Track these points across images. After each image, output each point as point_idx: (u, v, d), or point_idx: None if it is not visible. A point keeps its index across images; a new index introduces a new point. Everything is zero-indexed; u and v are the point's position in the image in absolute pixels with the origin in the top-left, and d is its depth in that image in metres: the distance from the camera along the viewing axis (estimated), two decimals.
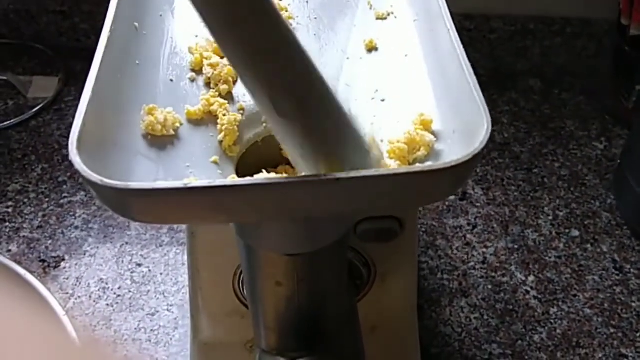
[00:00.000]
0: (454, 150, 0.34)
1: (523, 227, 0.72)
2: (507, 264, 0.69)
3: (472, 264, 0.69)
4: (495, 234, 0.71)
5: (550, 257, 0.69)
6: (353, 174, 0.30)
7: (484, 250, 0.70)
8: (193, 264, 0.50)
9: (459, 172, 0.30)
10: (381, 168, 0.34)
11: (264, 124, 0.39)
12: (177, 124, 0.37)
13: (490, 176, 0.76)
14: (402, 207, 0.41)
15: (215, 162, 0.37)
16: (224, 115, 0.38)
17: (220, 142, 0.38)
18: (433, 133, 0.36)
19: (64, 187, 0.76)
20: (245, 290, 0.50)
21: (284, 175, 0.37)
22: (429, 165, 0.32)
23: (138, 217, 0.32)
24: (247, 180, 0.30)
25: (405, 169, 0.33)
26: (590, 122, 0.82)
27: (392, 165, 0.35)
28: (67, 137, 0.84)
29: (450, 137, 0.35)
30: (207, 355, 0.54)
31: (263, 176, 0.31)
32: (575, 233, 0.71)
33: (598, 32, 0.86)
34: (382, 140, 0.37)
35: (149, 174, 0.35)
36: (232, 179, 0.33)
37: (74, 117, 0.85)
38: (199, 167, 0.36)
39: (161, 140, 0.37)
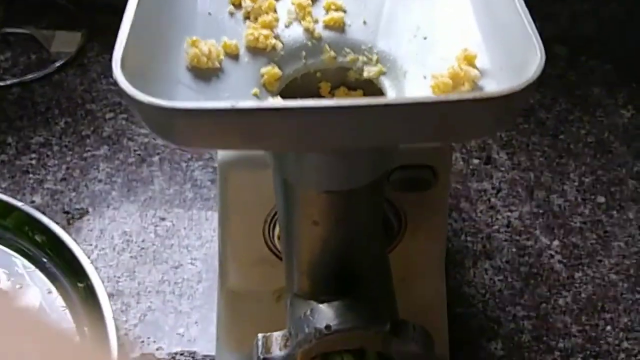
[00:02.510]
0: (502, 86, 0.34)
1: (548, 192, 0.71)
2: (532, 228, 0.68)
3: (496, 227, 0.69)
4: (519, 198, 0.71)
5: (575, 223, 0.69)
6: (402, 99, 0.29)
7: (508, 214, 0.70)
8: (223, 210, 0.50)
9: (511, 101, 0.29)
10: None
11: (304, 60, 0.39)
12: (221, 56, 0.37)
13: (515, 141, 0.76)
14: (449, 139, 0.41)
15: (255, 95, 0.36)
16: (265, 49, 0.38)
17: (262, 76, 0.37)
18: (478, 69, 0.36)
19: (87, 140, 0.76)
20: (275, 238, 0.50)
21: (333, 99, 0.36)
22: (479, 93, 0.32)
23: (180, 139, 0.31)
24: (296, 102, 0.30)
25: (456, 95, 0.32)
26: (617, 90, 0.81)
27: None
28: (90, 92, 0.83)
29: (497, 73, 0.35)
30: (235, 304, 0.54)
31: (311, 100, 0.30)
32: (601, 199, 0.70)
33: None
34: (425, 77, 0.37)
35: (189, 101, 0.34)
36: (281, 101, 0.32)
37: (97, 73, 0.84)
38: (239, 98, 0.36)
39: (202, 72, 0.37)
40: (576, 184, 0.72)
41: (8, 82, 0.80)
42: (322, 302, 0.43)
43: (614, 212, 0.70)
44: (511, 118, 0.32)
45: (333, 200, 0.38)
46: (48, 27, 0.87)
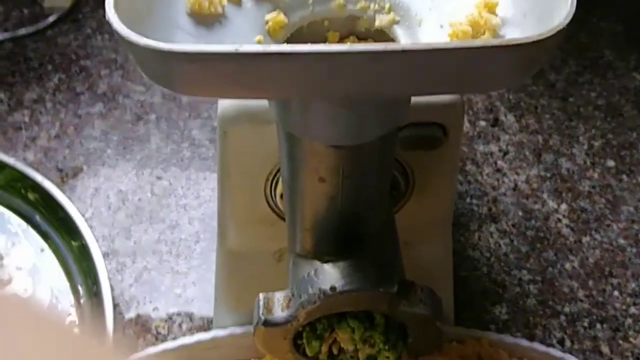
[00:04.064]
0: (524, 35, 0.32)
1: (556, 156, 0.69)
2: (539, 191, 0.67)
3: (503, 190, 0.67)
4: (527, 162, 0.69)
5: (584, 187, 0.67)
6: (421, 45, 0.27)
7: (515, 177, 0.68)
8: (223, 168, 0.48)
9: (539, 48, 0.27)
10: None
11: (311, 7, 0.37)
12: (224, 1, 0.34)
13: (523, 103, 0.74)
14: (469, 89, 0.39)
15: (259, 42, 0.34)
16: None
17: (266, 22, 0.35)
18: (499, 17, 0.33)
19: (82, 97, 0.73)
20: (277, 197, 0.48)
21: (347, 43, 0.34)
22: (505, 39, 0.30)
23: (180, 86, 0.29)
24: (305, 47, 0.27)
25: (480, 42, 0.30)
26: (628, 53, 0.79)
27: None
28: (84, 48, 0.81)
29: (520, 21, 0.33)
30: (234, 264, 0.52)
31: (320, 45, 0.28)
32: (611, 163, 0.69)
33: None
34: (441, 26, 0.34)
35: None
36: (289, 46, 0.30)
37: (91, 28, 0.81)
38: None
39: (202, 18, 0.34)
40: (585, 147, 0.70)
41: (0, 38, 0.77)
42: (326, 262, 0.41)
43: (624, 176, 0.68)
44: (537, 67, 0.30)
45: (341, 156, 0.36)
46: None
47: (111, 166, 0.68)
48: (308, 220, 0.40)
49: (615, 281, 0.61)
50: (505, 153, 0.70)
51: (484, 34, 0.33)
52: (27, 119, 0.71)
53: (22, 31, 0.78)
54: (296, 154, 0.37)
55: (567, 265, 0.62)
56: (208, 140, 0.70)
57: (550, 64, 0.78)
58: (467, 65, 0.28)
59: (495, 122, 0.72)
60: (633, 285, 0.60)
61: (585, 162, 0.69)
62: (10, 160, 0.65)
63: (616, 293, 0.60)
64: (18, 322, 0.21)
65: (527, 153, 0.70)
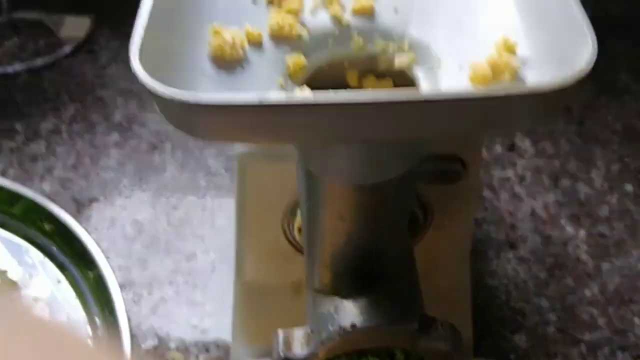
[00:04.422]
0: (544, 76, 0.32)
1: (574, 181, 0.69)
2: (557, 217, 0.66)
3: (520, 216, 0.67)
4: (544, 187, 0.69)
5: (602, 212, 0.66)
6: (442, 94, 0.27)
7: (533, 202, 0.67)
8: (241, 202, 0.48)
9: (562, 95, 0.27)
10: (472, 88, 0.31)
11: (331, 48, 0.37)
12: (245, 45, 0.35)
13: (539, 128, 0.73)
14: (487, 133, 0.39)
15: (280, 85, 0.34)
16: (290, 36, 0.36)
17: (287, 65, 0.35)
18: (518, 57, 0.33)
19: (98, 127, 0.74)
20: (295, 230, 0.48)
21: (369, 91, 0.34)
22: (529, 86, 0.30)
23: (203, 133, 0.29)
24: (328, 96, 0.27)
25: (501, 89, 0.30)
26: None
27: None
28: (100, 78, 0.81)
29: (540, 63, 0.33)
30: (252, 297, 0.52)
31: (344, 94, 0.28)
32: (629, 188, 0.68)
33: None
34: (461, 67, 0.34)
35: (212, 93, 0.32)
36: (313, 95, 0.30)
37: (106, 58, 0.82)
38: (263, 89, 0.34)
39: (224, 62, 0.34)
40: (603, 171, 0.69)
41: (17, 69, 0.78)
42: (346, 298, 0.41)
43: None
44: (559, 112, 0.30)
45: (361, 194, 0.36)
46: (57, 12, 0.85)
47: (127, 196, 0.68)
48: (327, 257, 0.40)
49: (636, 308, 0.60)
50: (522, 178, 0.69)
51: (504, 75, 0.33)
52: (43, 150, 0.72)
53: (38, 62, 0.79)
54: (316, 192, 0.37)
55: (587, 292, 0.61)
56: (224, 169, 0.70)
57: None
58: (488, 111, 0.28)
59: (512, 147, 0.71)
60: None
61: (603, 187, 0.68)
62: (26, 191, 0.65)
63: (637, 320, 0.60)
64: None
65: (544, 178, 0.69)
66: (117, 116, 0.74)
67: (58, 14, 0.85)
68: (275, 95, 0.27)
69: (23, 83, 0.77)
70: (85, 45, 0.82)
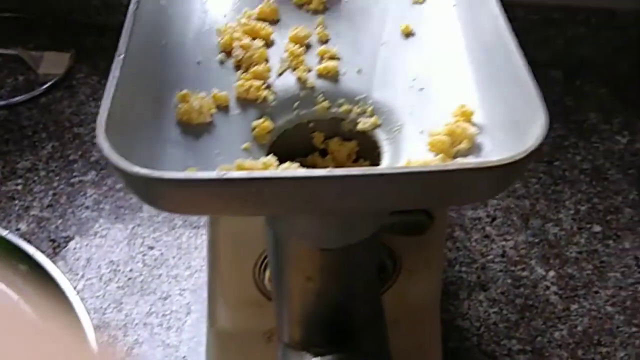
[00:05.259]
0: (500, 144, 0.33)
1: (543, 221, 0.70)
2: (527, 258, 0.67)
3: (491, 257, 0.68)
4: (515, 227, 0.70)
5: (571, 253, 0.68)
6: (395, 169, 0.28)
7: (504, 243, 0.69)
8: (213, 250, 0.48)
9: (514, 169, 0.28)
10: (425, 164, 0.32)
11: (297, 111, 0.38)
12: (213, 110, 0.35)
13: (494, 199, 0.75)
14: (445, 204, 0.40)
15: (246, 149, 0.35)
16: (256, 100, 0.37)
17: (253, 129, 0.36)
18: (475, 125, 0.34)
19: (75, 165, 0.74)
20: (266, 281, 0.48)
21: (326, 168, 0.35)
22: (480, 161, 0.31)
23: (168, 207, 0.30)
24: (286, 172, 0.28)
25: (455, 164, 0.31)
26: (613, 115, 0.81)
27: (433, 160, 0.33)
28: (78, 115, 0.82)
29: (496, 130, 0.34)
30: (224, 345, 0.52)
31: (303, 170, 0.29)
32: (597, 228, 0.70)
33: (623, 23, 0.84)
34: (421, 132, 0.35)
35: (178, 160, 0.33)
36: (271, 171, 0.31)
37: (85, 95, 0.83)
38: (230, 154, 0.34)
39: (192, 127, 0.35)
40: (572, 212, 0.71)
41: None
42: (315, 354, 0.42)
43: (610, 241, 0.69)
44: (512, 183, 0.31)
45: (328, 257, 0.37)
46: (36, 48, 0.85)
47: (103, 236, 0.69)
48: (295, 314, 0.41)
49: (604, 350, 0.61)
50: (494, 219, 0.70)
51: (461, 143, 0.34)
52: (20, 188, 0.72)
53: (17, 98, 0.79)
54: (283, 253, 0.38)
55: (556, 334, 0.62)
56: None
57: None
58: (442, 184, 0.29)
59: None
60: (622, 354, 0.61)
61: (572, 228, 0.70)
62: (3, 231, 0.65)
63: None
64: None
65: (514, 218, 0.71)
66: (95, 154, 0.75)
67: (37, 50, 0.85)
68: (235, 172, 0.28)
69: (1, 120, 0.77)
70: (64, 81, 0.82)
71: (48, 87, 0.81)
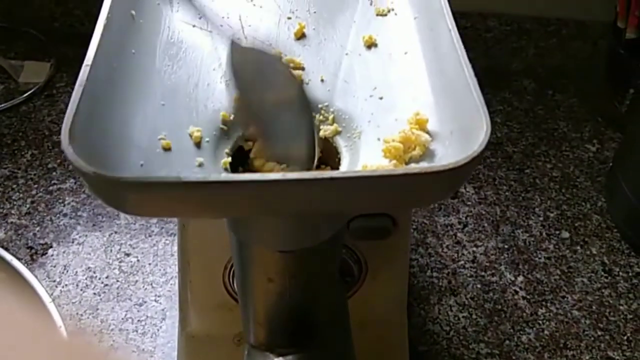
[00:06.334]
0: (450, 151, 0.34)
1: (513, 227, 0.72)
2: (497, 263, 0.69)
3: (462, 262, 0.69)
4: (485, 233, 0.71)
5: (539, 258, 0.69)
6: (348, 173, 0.30)
7: (474, 249, 0.70)
8: (183, 256, 0.50)
9: (456, 174, 0.30)
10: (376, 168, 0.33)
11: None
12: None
13: (482, 175, 0.76)
14: (395, 207, 0.41)
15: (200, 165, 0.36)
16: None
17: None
18: (429, 132, 0.36)
19: (54, 173, 0.75)
20: (235, 285, 0.50)
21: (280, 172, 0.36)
22: (425, 166, 0.32)
23: (130, 209, 0.31)
24: (243, 176, 0.30)
25: (401, 170, 0.32)
26: (583, 124, 0.83)
27: (387, 165, 0.35)
28: (58, 124, 0.83)
29: (447, 138, 0.35)
30: (195, 348, 0.53)
31: (258, 174, 0.30)
32: (566, 235, 0.71)
33: (593, 34, 0.86)
34: (378, 139, 0.37)
35: (146, 165, 0.34)
36: (228, 175, 0.32)
37: (65, 104, 0.84)
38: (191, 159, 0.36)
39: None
40: (541, 218, 0.73)
41: None
42: (279, 354, 0.43)
43: (578, 247, 0.70)
44: (457, 187, 0.32)
45: (287, 259, 0.38)
46: (17, 57, 0.86)
47: (80, 243, 0.69)
48: (259, 315, 0.42)
49: (570, 353, 0.63)
50: (465, 225, 0.72)
51: (414, 149, 0.35)
52: None
53: None
54: (245, 256, 0.39)
55: (524, 338, 0.64)
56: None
57: (508, 137, 0.81)
58: (391, 188, 0.30)
59: (455, 195, 0.74)
60: (587, 357, 0.62)
61: (541, 234, 0.71)
62: None
63: None
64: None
65: (485, 225, 0.72)
66: None
67: (17, 59, 0.86)
68: (194, 174, 0.29)
69: None
70: (45, 90, 0.83)
71: (28, 95, 0.82)
